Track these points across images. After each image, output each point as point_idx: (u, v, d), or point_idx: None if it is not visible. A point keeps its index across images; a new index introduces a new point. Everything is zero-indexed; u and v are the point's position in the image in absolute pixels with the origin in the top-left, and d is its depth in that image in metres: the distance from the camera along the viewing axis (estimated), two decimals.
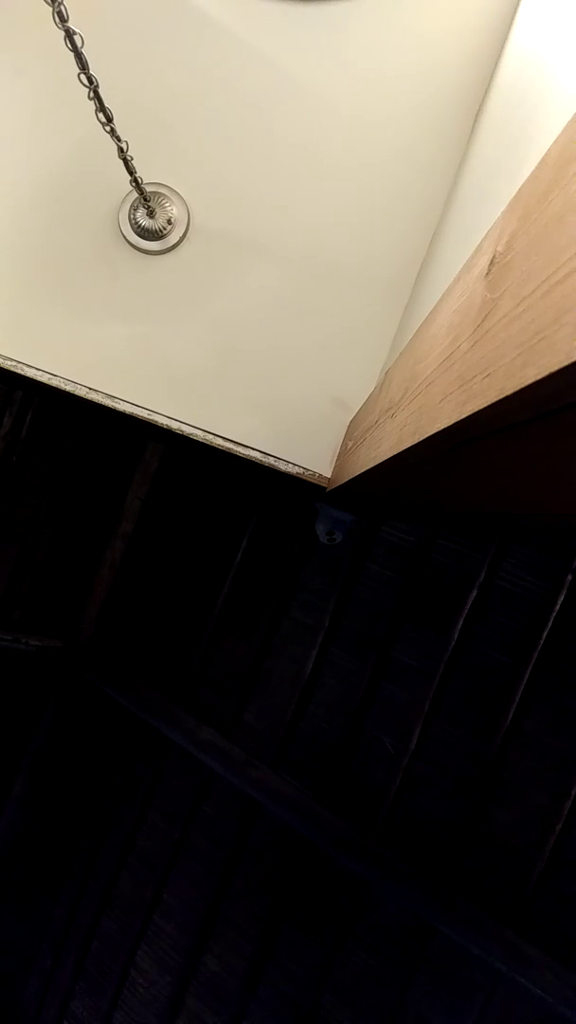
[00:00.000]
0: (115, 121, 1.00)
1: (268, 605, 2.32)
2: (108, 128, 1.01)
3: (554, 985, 1.79)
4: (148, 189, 1.24)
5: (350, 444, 1.12)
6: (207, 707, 2.39)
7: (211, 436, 1.30)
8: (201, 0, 1.29)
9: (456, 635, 2.03)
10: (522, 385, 0.33)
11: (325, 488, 1.29)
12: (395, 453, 0.63)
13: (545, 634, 1.92)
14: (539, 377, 0.31)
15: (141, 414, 1.30)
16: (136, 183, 1.17)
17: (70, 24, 0.80)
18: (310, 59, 1.27)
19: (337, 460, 1.26)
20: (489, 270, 0.45)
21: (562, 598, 1.91)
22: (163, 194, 1.30)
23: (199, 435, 1.30)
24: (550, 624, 1.92)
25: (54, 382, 1.30)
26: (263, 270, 1.30)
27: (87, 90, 0.92)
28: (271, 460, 1.28)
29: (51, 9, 0.78)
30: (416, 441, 0.54)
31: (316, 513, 1.97)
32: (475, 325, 0.44)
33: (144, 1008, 2.41)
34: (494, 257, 0.44)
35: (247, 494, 2.41)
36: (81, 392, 1.30)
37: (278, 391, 1.30)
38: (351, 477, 0.98)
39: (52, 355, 1.31)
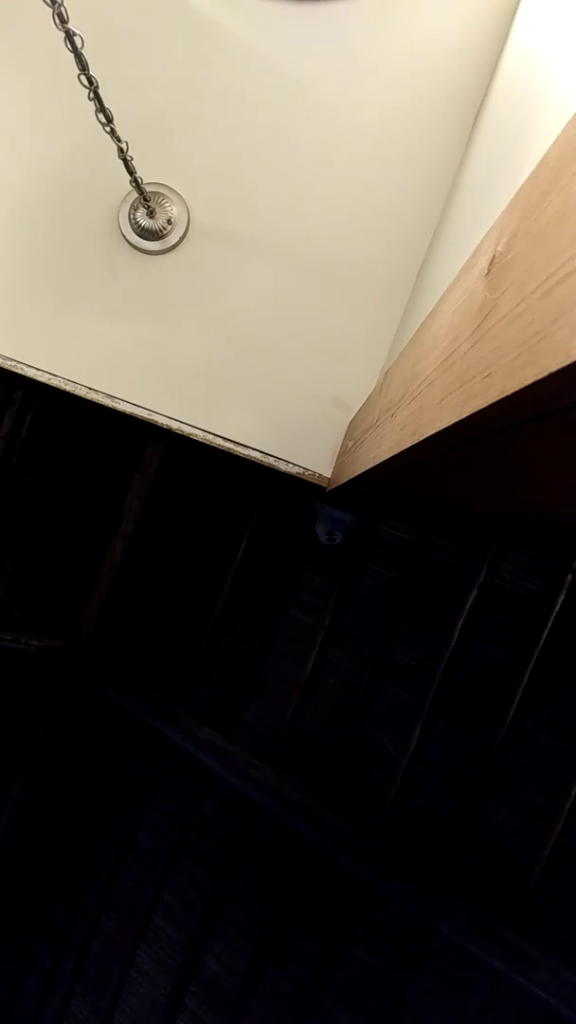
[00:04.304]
0: (115, 121, 1.00)
1: (268, 605, 2.32)
2: (108, 128, 1.01)
3: (554, 985, 1.79)
4: (148, 189, 1.24)
5: (350, 444, 1.12)
6: (207, 707, 2.39)
7: (211, 436, 1.30)
8: (201, 0, 1.29)
9: (456, 635, 2.03)
10: (522, 385, 0.33)
11: (325, 488, 1.29)
12: (395, 453, 0.63)
13: (545, 634, 1.92)
14: (539, 377, 0.31)
15: (141, 414, 1.30)
16: (136, 183, 1.17)
17: (70, 25, 0.81)
18: (310, 59, 1.27)
19: (337, 460, 1.26)
20: (489, 270, 0.45)
21: (562, 598, 1.91)
22: (163, 194, 1.30)
23: (199, 435, 1.30)
24: (550, 624, 1.92)
25: (54, 382, 1.30)
26: (263, 270, 1.30)
27: (87, 91, 0.92)
28: (271, 460, 1.28)
29: (51, 10, 0.78)
30: (416, 441, 0.54)
31: (316, 513, 1.97)
32: (475, 325, 0.45)
33: (144, 1008, 2.41)
34: (494, 257, 0.45)
35: (247, 494, 2.41)
36: (81, 392, 1.30)
37: (278, 391, 1.30)
38: (351, 477, 0.98)
39: (52, 355, 1.31)
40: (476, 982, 1.91)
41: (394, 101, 1.26)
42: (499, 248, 0.44)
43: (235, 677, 2.36)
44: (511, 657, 1.97)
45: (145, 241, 1.31)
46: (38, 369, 1.31)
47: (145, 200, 1.25)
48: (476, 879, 1.94)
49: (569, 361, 0.28)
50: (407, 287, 1.27)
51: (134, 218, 1.30)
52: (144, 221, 1.29)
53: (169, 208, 1.29)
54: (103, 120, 0.99)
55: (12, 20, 1.33)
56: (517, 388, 0.33)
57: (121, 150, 1.08)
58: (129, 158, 1.10)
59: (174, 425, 1.30)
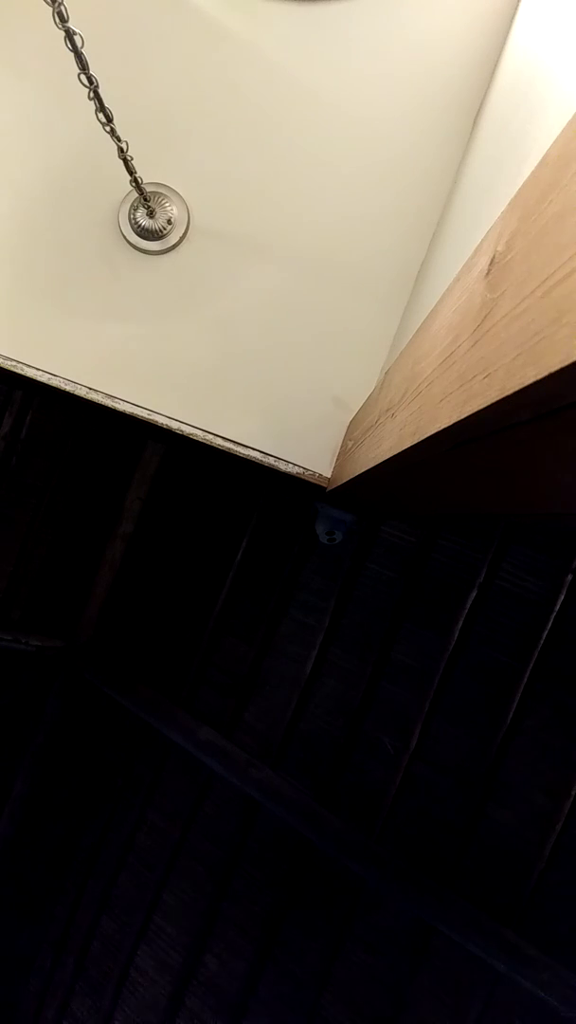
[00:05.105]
0: (115, 121, 1.00)
1: (268, 605, 2.31)
2: (108, 128, 1.01)
3: (554, 985, 1.79)
4: (148, 189, 1.24)
5: (350, 444, 1.12)
6: (207, 707, 2.39)
7: (211, 436, 1.30)
8: (201, 0, 1.29)
9: (456, 635, 2.03)
10: (522, 385, 0.33)
11: (325, 488, 1.29)
12: (395, 453, 0.63)
13: (545, 634, 1.92)
14: (539, 377, 0.31)
15: (141, 414, 1.30)
16: (136, 183, 1.17)
17: (70, 24, 0.81)
18: (310, 59, 1.27)
19: (337, 460, 1.26)
20: (489, 270, 0.45)
21: (562, 598, 1.91)
22: (163, 194, 1.30)
23: (199, 435, 1.30)
24: (550, 624, 1.92)
25: (54, 382, 1.30)
26: (263, 270, 1.30)
27: (87, 90, 0.92)
28: (271, 460, 1.28)
29: (51, 9, 0.78)
30: (416, 441, 0.54)
31: (316, 513, 1.97)
32: (475, 325, 0.45)
33: (144, 1008, 2.41)
34: (494, 257, 0.45)
35: (247, 494, 2.41)
36: (81, 392, 1.30)
37: (278, 391, 1.30)
38: (351, 477, 0.98)
39: (52, 355, 1.31)
40: (476, 982, 1.91)
41: (394, 101, 1.26)
42: (499, 248, 0.44)
43: (235, 677, 2.36)
44: (511, 657, 1.97)
45: (145, 241, 1.31)
46: (38, 369, 1.31)
47: (145, 200, 1.25)
48: (476, 879, 1.94)
49: (569, 361, 0.28)
50: (407, 287, 1.27)
51: (134, 218, 1.30)
52: (144, 221, 1.29)
53: (169, 208, 1.29)
54: (103, 120, 0.99)
55: (12, 19, 1.33)
56: (517, 388, 0.33)
57: (121, 150, 1.08)
58: (129, 158, 1.10)
59: (174, 425, 1.30)
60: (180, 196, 1.30)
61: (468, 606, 2.02)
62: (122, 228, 1.31)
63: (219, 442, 1.29)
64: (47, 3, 0.77)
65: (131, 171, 1.13)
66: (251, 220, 1.30)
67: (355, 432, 1.10)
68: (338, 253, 1.28)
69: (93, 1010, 2.51)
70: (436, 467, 0.66)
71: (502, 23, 1.21)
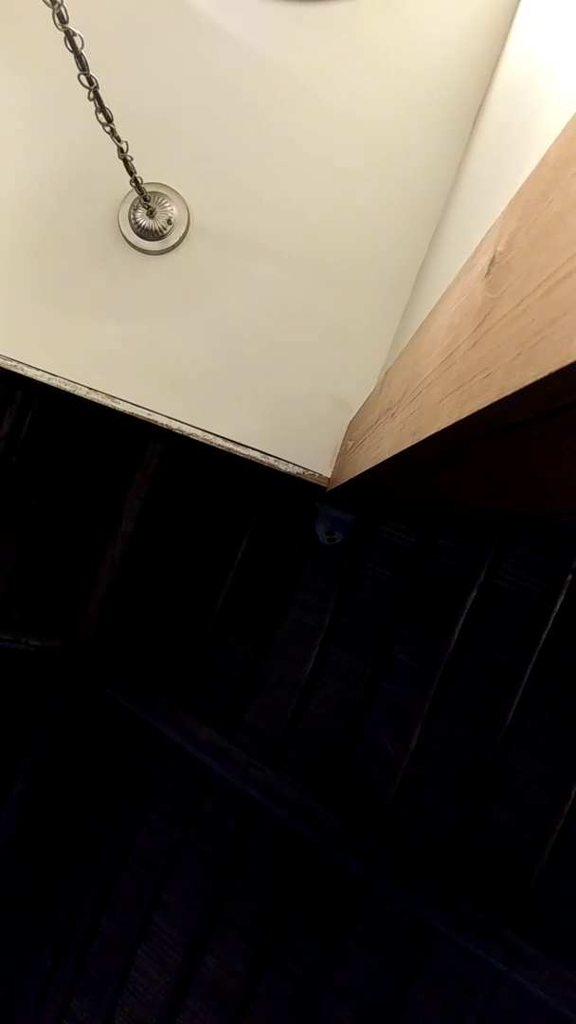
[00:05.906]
0: (115, 121, 1.00)
1: (268, 605, 2.31)
2: (108, 128, 1.01)
3: (554, 985, 1.79)
4: (148, 189, 1.24)
5: (350, 444, 1.12)
6: (207, 707, 2.39)
7: (211, 436, 1.30)
8: (201, 1, 1.29)
9: (456, 635, 2.03)
10: (522, 385, 0.33)
11: (325, 488, 1.29)
12: (395, 453, 0.63)
13: (545, 634, 1.92)
14: (539, 377, 0.31)
15: (141, 414, 1.30)
16: (136, 183, 1.17)
17: (70, 25, 0.81)
18: (310, 59, 1.27)
19: (337, 460, 1.26)
20: (489, 270, 0.45)
21: (562, 598, 1.91)
22: (163, 194, 1.30)
23: (199, 435, 1.30)
24: (550, 624, 1.92)
25: (54, 382, 1.30)
26: (263, 270, 1.30)
27: (87, 91, 0.92)
28: (271, 460, 1.28)
29: (51, 11, 0.78)
30: (416, 441, 0.54)
31: (316, 513, 1.97)
32: (475, 325, 0.45)
33: (144, 1008, 2.41)
34: (494, 257, 0.45)
35: (247, 494, 2.41)
36: (81, 392, 1.30)
37: (278, 391, 1.30)
38: (351, 477, 0.98)
39: (52, 355, 1.31)
40: (476, 982, 1.91)
41: (394, 101, 1.26)
42: (499, 248, 0.44)
43: (235, 677, 2.36)
44: (511, 657, 1.97)
45: (145, 241, 1.31)
46: (38, 369, 1.31)
47: (145, 200, 1.25)
48: (476, 879, 1.94)
49: (569, 361, 0.28)
50: (407, 287, 1.27)
51: (134, 218, 1.30)
52: (144, 221, 1.29)
53: (169, 208, 1.29)
54: (103, 120, 0.99)
55: (12, 20, 1.33)
56: (517, 388, 0.33)
57: (121, 150, 1.08)
58: (129, 158, 1.10)
59: (174, 425, 1.30)
60: (180, 196, 1.30)
61: (468, 606, 2.02)
62: (122, 228, 1.31)
63: (219, 442, 1.29)
64: (47, 4, 0.77)
65: (131, 171, 1.13)
66: (251, 220, 1.30)
67: (355, 432, 1.10)
68: (338, 253, 1.28)
69: (93, 1010, 2.51)
70: (436, 467, 0.66)
71: (502, 23, 1.21)
